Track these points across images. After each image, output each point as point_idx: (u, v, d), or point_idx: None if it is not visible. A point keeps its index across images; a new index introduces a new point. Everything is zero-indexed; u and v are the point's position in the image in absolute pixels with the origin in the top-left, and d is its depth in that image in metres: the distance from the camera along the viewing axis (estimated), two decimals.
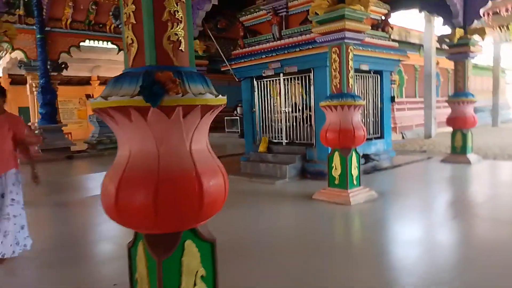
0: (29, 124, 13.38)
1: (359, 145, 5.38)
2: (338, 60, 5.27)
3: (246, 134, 8.48)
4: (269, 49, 7.49)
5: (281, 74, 7.55)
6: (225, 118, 17.33)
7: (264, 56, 7.50)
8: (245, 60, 7.92)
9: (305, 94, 7.58)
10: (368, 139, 7.82)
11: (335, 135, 5.20)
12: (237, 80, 8.41)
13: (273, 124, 7.99)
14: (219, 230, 4.39)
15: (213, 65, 11.09)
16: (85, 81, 27.64)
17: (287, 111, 7.76)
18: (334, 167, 5.42)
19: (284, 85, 7.65)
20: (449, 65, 12.71)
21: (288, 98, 7.80)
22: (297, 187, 6.47)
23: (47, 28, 15.65)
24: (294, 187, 6.47)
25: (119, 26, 9.18)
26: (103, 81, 27.17)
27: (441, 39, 8.48)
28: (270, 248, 3.66)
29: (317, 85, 6.96)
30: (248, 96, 8.32)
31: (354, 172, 5.39)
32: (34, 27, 15.12)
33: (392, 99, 8.40)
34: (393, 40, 14.13)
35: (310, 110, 7.37)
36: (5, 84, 22.37)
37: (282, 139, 7.80)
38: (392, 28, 8.12)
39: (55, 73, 16.52)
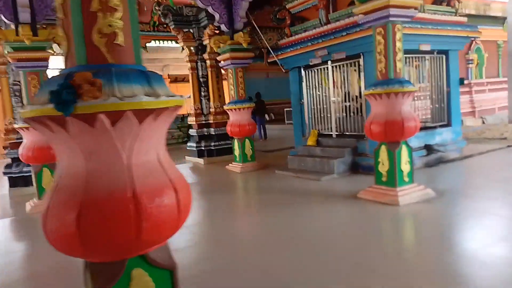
0: None
1: (410, 137, 4.71)
2: (383, 41, 4.64)
3: (295, 127, 8.07)
4: (315, 36, 6.95)
5: (329, 62, 6.99)
6: (285, 109, 16.97)
7: (310, 43, 6.99)
8: (291, 49, 7.47)
9: (356, 82, 6.95)
10: (431, 128, 7.02)
11: (381, 127, 4.60)
12: (284, 71, 8.00)
13: (322, 115, 7.46)
14: (241, 235, 4.19)
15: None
16: None
17: (336, 101, 7.19)
18: (381, 163, 4.82)
19: (333, 73, 7.07)
20: None
21: (337, 87, 7.22)
22: (344, 184, 5.94)
23: None
24: (340, 184, 5.95)
25: (170, 25, 9.28)
26: (173, 79, 28.37)
27: None
28: (294, 258, 3.29)
29: (368, 71, 6.30)
30: (296, 87, 7.87)
31: (405, 167, 4.73)
32: None
33: (461, 81, 7.36)
34: (470, 15, 12.62)
35: (361, 99, 6.73)
36: None
37: (332, 132, 7.25)
38: (459, 2, 7.07)
39: None
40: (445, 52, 7.06)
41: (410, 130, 4.58)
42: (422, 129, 6.93)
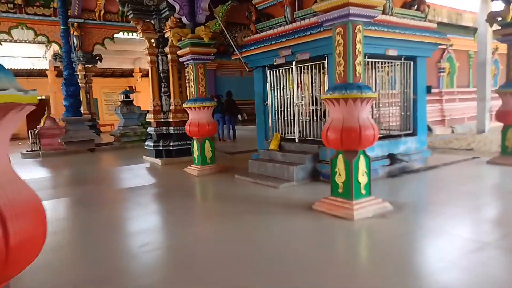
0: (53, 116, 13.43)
1: (368, 147, 4.40)
2: (343, 42, 4.30)
3: (258, 130, 7.68)
4: (279, 34, 6.58)
5: (294, 63, 6.64)
6: None
7: (274, 42, 6.61)
8: (255, 47, 7.07)
9: (321, 85, 6.64)
10: (395, 136, 6.79)
11: (337, 135, 4.27)
12: (247, 70, 7.61)
13: (286, 119, 7.11)
14: (184, 247, 3.78)
15: None
16: (128, 73, 28.15)
17: (300, 104, 6.84)
18: (338, 173, 4.49)
19: (297, 74, 6.73)
20: None
21: (302, 90, 6.89)
22: (302, 192, 5.59)
23: (80, 20, 15.79)
24: (298, 192, 5.60)
25: (129, 14, 8.67)
26: (145, 74, 27.55)
27: (491, 18, 7.08)
28: (230, 278, 2.89)
29: (331, 74, 5.95)
30: (260, 87, 7.49)
31: (362, 179, 4.42)
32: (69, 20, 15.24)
33: (429, 89, 7.17)
34: (442, 24, 12.56)
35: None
36: (51, 76, 23.25)
37: (295, 136, 6.91)
38: (428, 7, 6.86)
39: (90, 65, 16.71)
40: (413, 59, 6.83)
41: (368, 139, 4.26)
42: (386, 137, 6.71)
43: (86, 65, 16.22)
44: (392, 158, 6.47)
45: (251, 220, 4.41)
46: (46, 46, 15.55)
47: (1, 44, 14.41)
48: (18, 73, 22.40)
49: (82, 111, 15.93)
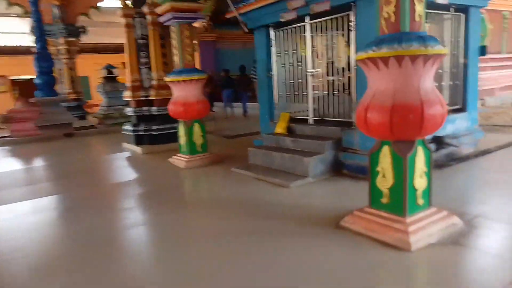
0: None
1: (433, 133, 2.84)
2: None
3: (261, 108, 6.10)
4: None
5: (307, 18, 5.00)
6: None
7: None
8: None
9: (343, 48, 5.02)
10: None
11: (384, 117, 2.69)
12: (246, 31, 5.95)
13: (296, 93, 5.52)
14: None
15: None
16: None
17: (315, 73, 5.23)
18: (381, 174, 2.93)
19: (312, 34, 5.09)
20: None
21: (318, 55, 5.27)
22: (322, 194, 4.07)
23: None
24: (317, 194, 4.08)
25: None
26: None
27: None
28: None
29: (362, 29, 4.33)
30: (263, 53, 5.86)
31: (420, 183, 2.87)
32: None
33: (482, 50, 5.51)
34: None
35: (350, 72, 4.80)
36: None
37: (308, 116, 5.34)
38: None
39: (73, 39, 14.98)
40: (465, 10, 5.15)
41: (435, 121, 2.69)
42: None
43: (68, 39, 14.49)
44: (439, 142, 4.89)
45: (251, 245, 2.91)
46: (20, 17, 13.83)
47: None
48: (2, 51, 20.81)
49: (66, 91, 14.37)
